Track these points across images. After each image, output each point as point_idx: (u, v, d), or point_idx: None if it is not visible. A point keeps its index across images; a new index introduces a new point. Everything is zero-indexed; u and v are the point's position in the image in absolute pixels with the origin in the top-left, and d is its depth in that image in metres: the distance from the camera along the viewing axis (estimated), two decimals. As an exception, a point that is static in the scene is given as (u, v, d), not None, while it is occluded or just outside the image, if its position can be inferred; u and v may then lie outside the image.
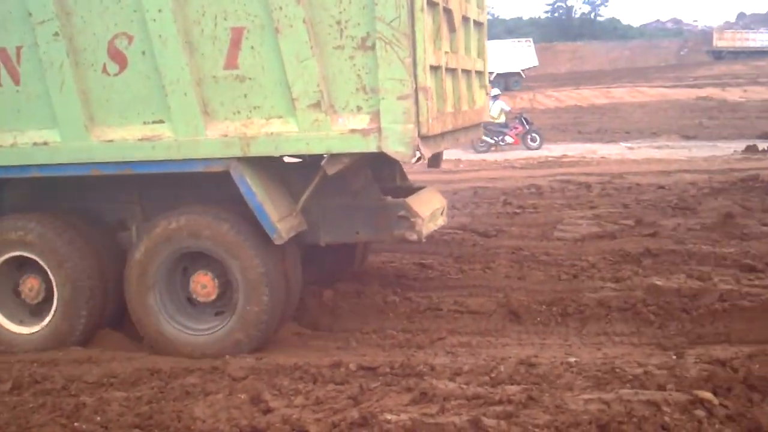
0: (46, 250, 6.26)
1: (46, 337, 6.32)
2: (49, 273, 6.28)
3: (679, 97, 34.10)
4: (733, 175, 12.96)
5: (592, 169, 15.89)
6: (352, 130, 5.47)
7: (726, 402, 4.48)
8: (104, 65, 5.82)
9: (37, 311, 6.50)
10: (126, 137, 5.86)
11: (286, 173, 6.17)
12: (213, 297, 6.12)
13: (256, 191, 5.75)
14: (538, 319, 6.54)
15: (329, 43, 5.38)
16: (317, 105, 5.47)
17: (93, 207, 6.62)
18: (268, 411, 4.79)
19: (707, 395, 4.49)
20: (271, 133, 5.61)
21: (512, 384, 5.00)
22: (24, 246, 6.32)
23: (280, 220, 5.80)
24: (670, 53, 72.69)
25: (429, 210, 6.44)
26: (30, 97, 6.07)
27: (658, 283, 6.99)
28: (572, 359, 5.53)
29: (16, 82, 6.07)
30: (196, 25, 5.57)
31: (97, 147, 5.94)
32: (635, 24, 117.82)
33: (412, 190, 6.98)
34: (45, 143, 6.07)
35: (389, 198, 6.24)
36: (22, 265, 6.47)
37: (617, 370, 5.14)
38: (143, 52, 5.70)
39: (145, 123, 5.85)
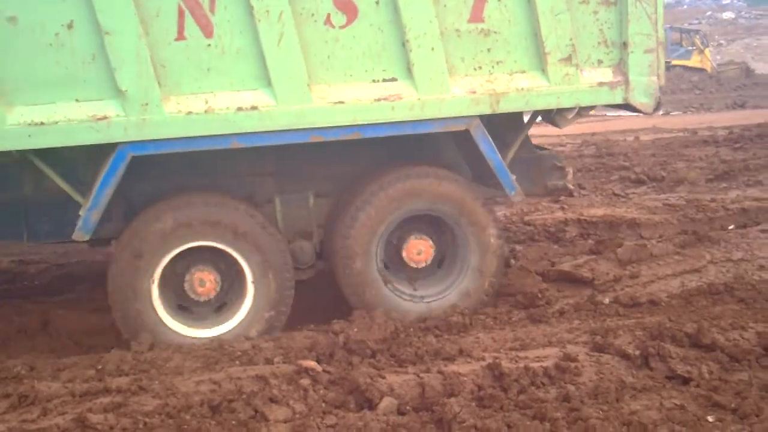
0: (236, 234, 5.58)
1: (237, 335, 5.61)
2: (240, 259, 5.62)
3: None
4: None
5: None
6: (600, 83, 5.83)
7: (329, 368, 4.86)
8: (328, 16, 5.34)
9: (204, 308, 5.77)
10: (359, 98, 5.45)
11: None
12: (427, 262, 6.04)
13: (497, 149, 5.76)
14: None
15: None
16: (568, 59, 5.68)
17: (219, 182, 5.89)
18: None
19: (311, 364, 4.81)
20: (522, 89, 5.67)
21: (120, 375, 4.93)
22: (204, 234, 5.54)
23: None
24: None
25: None
26: (226, 52, 5.26)
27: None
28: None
29: (208, 34, 5.20)
30: None
31: (323, 110, 5.41)
32: None
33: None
34: (253, 108, 5.28)
35: (540, 149, 6.40)
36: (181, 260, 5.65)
37: (226, 347, 5.29)
38: (377, 2, 5.36)
39: (374, 81, 5.50)
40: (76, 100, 5.11)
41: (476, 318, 5.88)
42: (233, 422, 4.17)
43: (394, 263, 6.11)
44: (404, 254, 6.01)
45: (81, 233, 5.34)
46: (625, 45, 5.76)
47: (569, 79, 5.73)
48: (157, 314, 5.55)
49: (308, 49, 5.33)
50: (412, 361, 4.96)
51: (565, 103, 5.85)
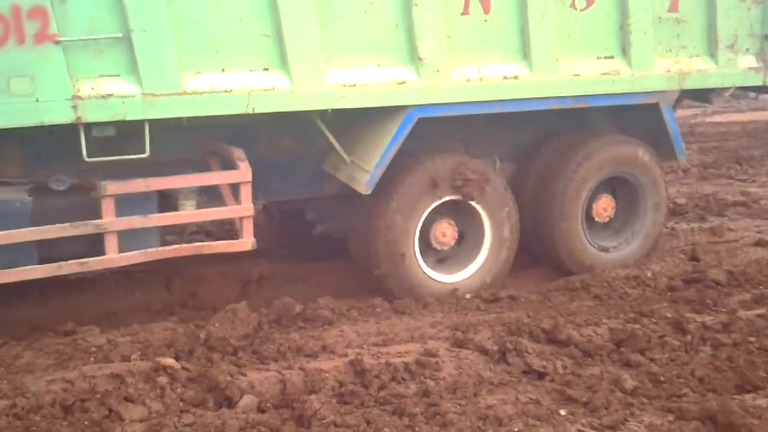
0: (483, 191, 6.34)
1: (478, 281, 6.53)
2: (482, 212, 6.42)
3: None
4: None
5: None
6: (749, 68, 7.19)
7: (188, 365, 4.78)
8: (574, 1, 6.29)
9: (443, 258, 6.59)
10: (591, 71, 6.43)
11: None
12: (609, 217, 7.11)
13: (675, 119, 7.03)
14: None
15: None
16: (732, 46, 6.99)
17: (425, 146, 6.34)
18: None
19: (169, 361, 4.73)
20: (700, 70, 6.91)
21: (-33, 372, 4.74)
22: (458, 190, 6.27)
23: None
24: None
25: None
26: (497, 27, 6.08)
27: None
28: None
29: (486, 10, 6.00)
30: None
31: (565, 81, 6.34)
32: None
33: None
34: (515, 77, 6.13)
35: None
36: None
37: (80, 342, 5.16)
38: None
39: (597, 58, 6.48)
40: (378, 65, 5.74)
41: (341, 310, 5.95)
42: (86, 423, 4.07)
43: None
44: (593, 211, 7.00)
45: (367, 187, 5.95)
46: (766, 37, 7.17)
47: (731, 63, 7.05)
48: (416, 256, 6.30)
49: (558, 27, 6.22)
50: (275, 358, 4.96)
51: (727, 83, 7.19)
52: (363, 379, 4.65)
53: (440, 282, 6.42)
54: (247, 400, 4.37)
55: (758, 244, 7.73)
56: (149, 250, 5.49)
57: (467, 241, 6.59)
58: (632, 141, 7.08)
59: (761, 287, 6.53)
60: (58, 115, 4.90)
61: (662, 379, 4.75)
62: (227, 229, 6.38)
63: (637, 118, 7.14)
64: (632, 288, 6.50)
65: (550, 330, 5.31)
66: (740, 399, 4.40)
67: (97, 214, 5.26)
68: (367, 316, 5.92)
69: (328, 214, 6.66)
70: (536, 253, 7.09)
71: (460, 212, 6.46)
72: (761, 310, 5.93)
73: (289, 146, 6.22)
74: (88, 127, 5.05)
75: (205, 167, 5.83)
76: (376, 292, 6.37)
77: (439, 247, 6.47)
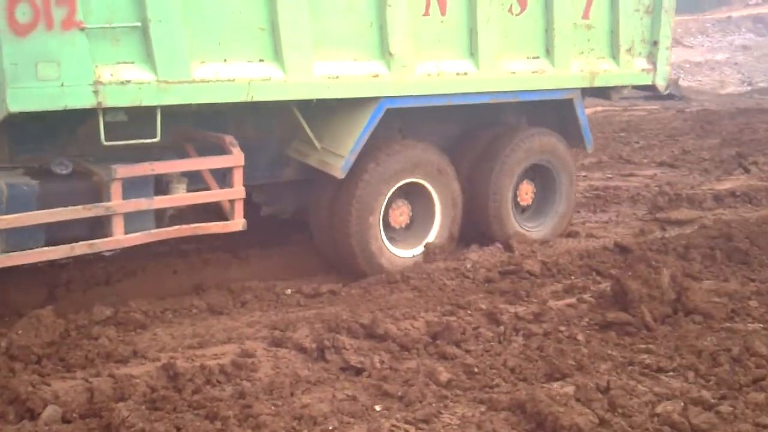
0: (434, 174, 7.10)
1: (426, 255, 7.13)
2: (434, 194, 7.15)
3: None
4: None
5: None
6: (643, 69, 8.22)
7: (-12, 375, 4.55)
8: (511, 6, 7.11)
9: (399, 235, 7.21)
10: (523, 70, 7.26)
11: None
12: (529, 202, 8.01)
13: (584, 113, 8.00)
14: None
15: (631, 7, 7.93)
16: (630, 50, 8.00)
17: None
18: None
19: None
20: (605, 70, 7.89)
21: None
22: (416, 172, 7.00)
23: None
24: None
25: None
26: (451, 27, 6.79)
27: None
28: None
29: (443, 12, 6.71)
30: None
31: (504, 78, 7.16)
32: None
33: None
34: (465, 73, 6.89)
35: None
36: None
37: None
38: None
39: (527, 58, 7.32)
40: (354, 60, 6.33)
41: (155, 312, 5.82)
42: None
43: None
44: (518, 195, 7.86)
45: (342, 172, 6.49)
46: (655, 43, 8.17)
47: (629, 64, 8.04)
48: (380, 232, 6.88)
49: (498, 29, 6.99)
50: (82, 366, 4.81)
51: (625, 82, 8.31)
52: (176, 383, 4.56)
53: (401, 257, 7.05)
54: (51, 411, 4.20)
55: (570, 235, 8.18)
56: (152, 231, 5.77)
57: (420, 219, 7.24)
58: (553, 132, 7.97)
59: (572, 277, 6.88)
60: (81, 99, 5.14)
61: (476, 370, 4.87)
62: (199, 211, 6.58)
63: (549, 112, 8.05)
64: (451, 279, 6.65)
65: (368, 325, 5.37)
66: (548, 387, 4.51)
67: (98, 197, 5.50)
68: (182, 317, 5.84)
69: (276, 198, 7.03)
70: (469, 231, 7.58)
71: (413, 193, 7.14)
72: (571, 300, 6.24)
73: (254, 133, 6.58)
74: (104, 112, 5.29)
75: (183, 153, 6.10)
76: (339, 272, 6.94)
77: (395, 226, 7.08)
